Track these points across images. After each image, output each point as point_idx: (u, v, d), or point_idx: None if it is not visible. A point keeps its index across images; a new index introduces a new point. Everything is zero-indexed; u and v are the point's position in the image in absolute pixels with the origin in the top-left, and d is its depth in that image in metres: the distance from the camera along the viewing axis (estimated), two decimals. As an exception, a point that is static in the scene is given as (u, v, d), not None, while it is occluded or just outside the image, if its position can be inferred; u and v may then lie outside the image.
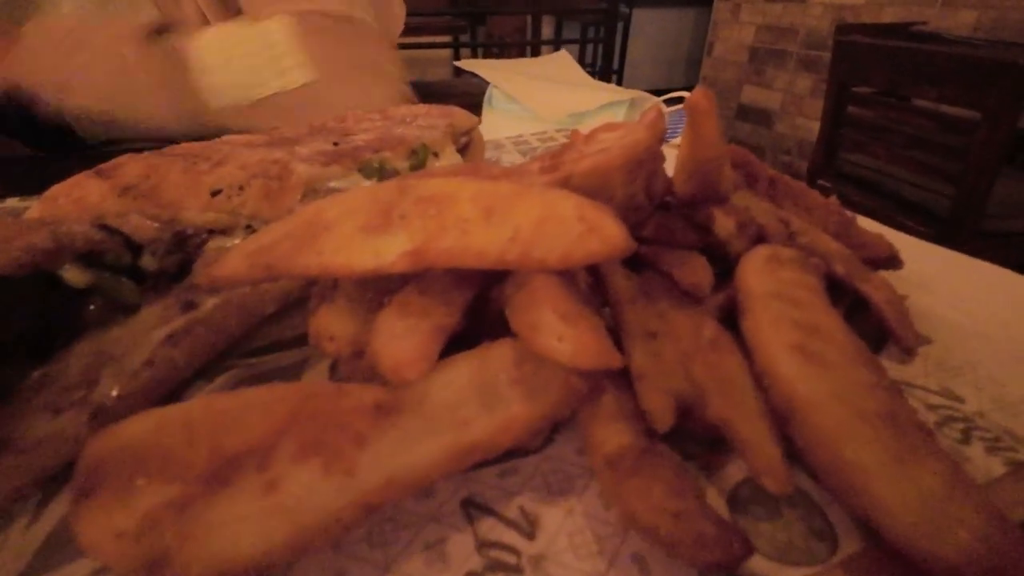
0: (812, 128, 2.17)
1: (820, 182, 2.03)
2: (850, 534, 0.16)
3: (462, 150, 0.41)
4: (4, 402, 0.17)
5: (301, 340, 0.24)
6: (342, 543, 0.16)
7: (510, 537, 0.16)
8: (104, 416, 0.18)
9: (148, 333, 0.20)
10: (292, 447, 0.14)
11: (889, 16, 2.41)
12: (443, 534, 0.16)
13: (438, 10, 3.26)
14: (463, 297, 0.20)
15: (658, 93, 0.79)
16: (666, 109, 0.76)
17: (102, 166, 0.33)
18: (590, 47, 4.35)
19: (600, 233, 0.18)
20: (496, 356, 0.17)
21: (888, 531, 0.15)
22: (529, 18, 3.88)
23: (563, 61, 0.81)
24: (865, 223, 0.33)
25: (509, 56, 3.44)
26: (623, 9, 3.94)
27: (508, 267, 0.19)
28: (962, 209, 1.53)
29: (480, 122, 0.46)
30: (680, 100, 0.77)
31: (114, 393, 0.18)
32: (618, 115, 0.60)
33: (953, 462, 0.16)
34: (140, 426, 0.14)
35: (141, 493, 0.13)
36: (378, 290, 0.21)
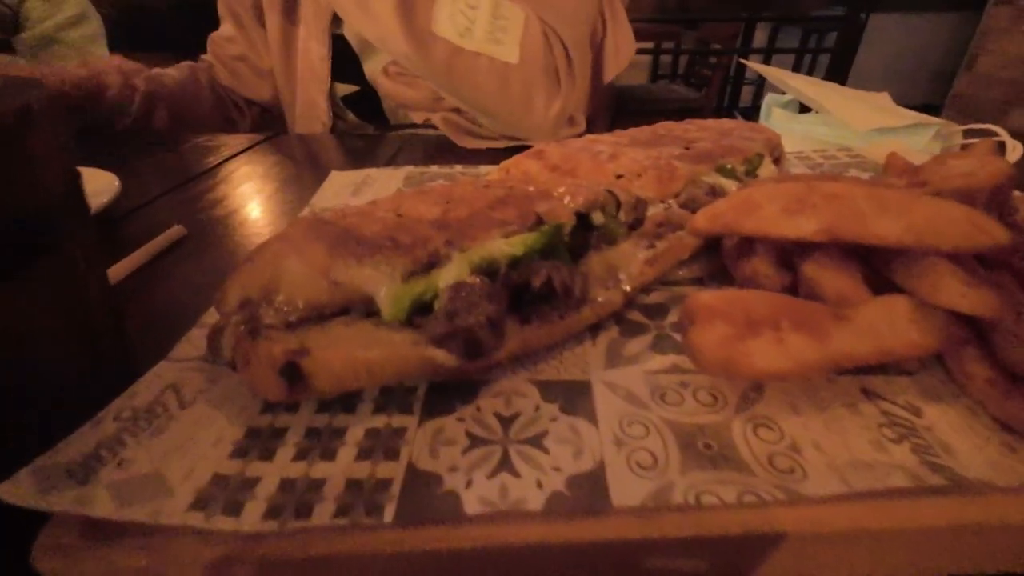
0: (1113, 169, 1.77)
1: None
2: None
3: (775, 161, 0.51)
4: (579, 274, 0.32)
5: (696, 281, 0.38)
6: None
7: (903, 413, 0.26)
8: (626, 296, 0.33)
9: (633, 256, 0.34)
10: (789, 323, 0.26)
11: None
12: (852, 401, 0.27)
13: (648, 16, 3.35)
14: (856, 264, 0.30)
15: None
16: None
17: (531, 150, 0.50)
18: (807, 57, 4.02)
19: (988, 232, 0.27)
20: (898, 304, 0.27)
21: None
22: (742, 25, 3.73)
23: (880, 96, 0.79)
24: None
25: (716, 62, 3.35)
26: (860, 15, 3.58)
27: (902, 248, 0.29)
28: None
29: (780, 138, 0.55)
30: (983, 132, 0.76)
31: (627, 288, 0.33)
32: (923, 138, 0.64)
33: None
34: (708, 294, 0.27)
35: (720, 325, 0.26)
36: (785, 250, 0.32)
